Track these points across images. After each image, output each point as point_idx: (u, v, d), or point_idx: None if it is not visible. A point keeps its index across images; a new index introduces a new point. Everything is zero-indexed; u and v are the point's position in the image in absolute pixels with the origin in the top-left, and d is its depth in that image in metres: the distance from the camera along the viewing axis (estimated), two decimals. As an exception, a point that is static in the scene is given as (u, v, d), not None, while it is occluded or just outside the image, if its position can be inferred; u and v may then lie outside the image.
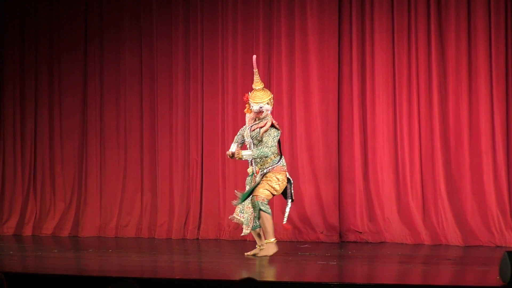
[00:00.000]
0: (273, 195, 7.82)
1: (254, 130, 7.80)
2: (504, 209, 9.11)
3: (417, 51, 9.40)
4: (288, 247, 8.80)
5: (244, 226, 7.84)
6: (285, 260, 7.86)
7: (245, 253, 7.98)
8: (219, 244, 9.42)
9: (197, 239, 9.87)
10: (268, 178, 7.75)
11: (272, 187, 7.74)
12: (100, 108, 10.33)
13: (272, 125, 7.76)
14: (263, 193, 7.71)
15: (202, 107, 10.01)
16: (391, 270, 7.45)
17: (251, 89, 7.95)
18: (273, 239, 7.74)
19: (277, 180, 7.76)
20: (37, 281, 6.43)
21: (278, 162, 7.78)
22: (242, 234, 7.93)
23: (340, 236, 9.56)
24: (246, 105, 7.90)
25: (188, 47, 10.06)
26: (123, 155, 10.26)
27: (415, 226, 9.28)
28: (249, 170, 7.90)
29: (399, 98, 9.47)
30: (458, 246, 9.05)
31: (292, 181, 7.92)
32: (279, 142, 7.86)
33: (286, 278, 6.92)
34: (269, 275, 7.10)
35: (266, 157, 7.71)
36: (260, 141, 7.78)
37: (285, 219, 7.94)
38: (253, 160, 7.83)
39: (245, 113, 7.97)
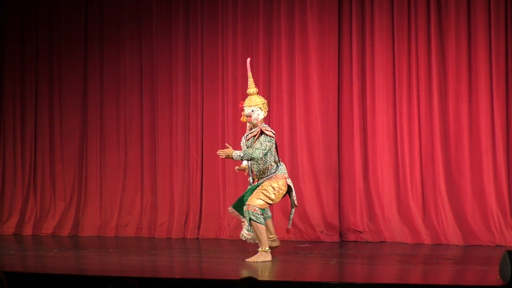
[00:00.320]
0: (269, 204, 7.69)
1: (248, 139, 7.73)
2: (504, 209, 9.11)
3: (417, 51, 9.40)
4: (288, 246, 8.80)
5: (246, 232, 7.79)
6: (285, 259, 7.85)
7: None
8: (219, 244, 9.42)
9: (197, 238, 9.87)
10: (263, 187, 7.63)
11: (267, 196, 7.59)
12: (100, 108, 10.33)
13: (262, 132, 7.60)
14: (255, 202, 7.56)
15: (202, 106, 10.01)
16: (391, 269, 7.45)
17: (247, 95, 7.89)
18: (266, 248, 7.58)
19: (272, 190, 7.61)
20: (37, 281, 6.44)
21: (275, 172, 7.68)
22: (241, 236, 7.89)
23: (340, 235, 9.55)
24: (242, 113, 7.83)
25: (188, 46, 10.06)
26: (123, 154, 10.26)
27: (415, 226, 9.28)
28: (250, 179, 7.84)
29: (399, 98, 9.46)
30: (458, 245, 9.05)
31: (293, 189, 7.78)
32: (276, 148, 7.75)
33: (286, 278, 6.91)
34: (270, 274, 7.10)
35: (252, 158, 7.56)
36: None
37: (290, 224, 7.90)
38: (249, 171, 7.79)
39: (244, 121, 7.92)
